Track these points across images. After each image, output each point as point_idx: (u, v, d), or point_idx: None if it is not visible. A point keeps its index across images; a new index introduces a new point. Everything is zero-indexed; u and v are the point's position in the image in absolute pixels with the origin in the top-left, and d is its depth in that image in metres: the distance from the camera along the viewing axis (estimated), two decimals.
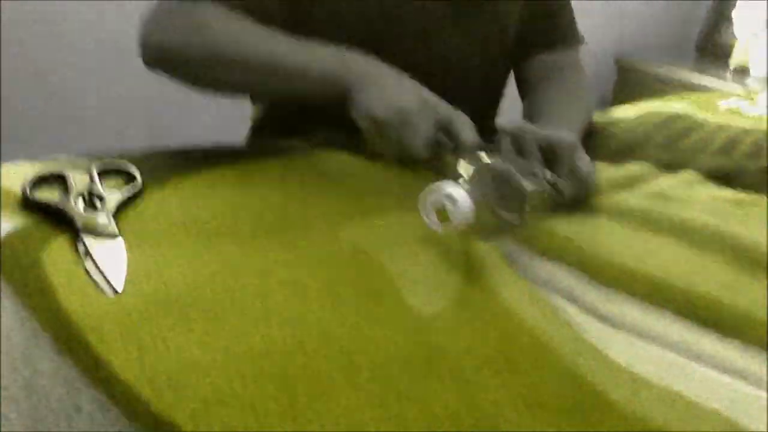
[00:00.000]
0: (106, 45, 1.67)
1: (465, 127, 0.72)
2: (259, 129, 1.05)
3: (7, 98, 1.61)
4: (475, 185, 0.56)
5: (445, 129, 0.73)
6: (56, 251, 0.49)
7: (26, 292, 0.44)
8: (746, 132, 0.94)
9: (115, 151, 0.76)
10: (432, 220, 0.53)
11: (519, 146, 0.70)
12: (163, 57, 0.82)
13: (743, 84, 1.91)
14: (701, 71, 2.06)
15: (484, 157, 0.64)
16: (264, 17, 0.82)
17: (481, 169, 0.59)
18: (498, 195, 0.59)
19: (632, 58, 2.21)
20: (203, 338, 0.41)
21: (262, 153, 0.76)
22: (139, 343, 0.40)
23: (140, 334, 0.40)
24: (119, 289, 0.45)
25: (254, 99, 1.05)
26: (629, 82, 2.22)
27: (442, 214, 0.53)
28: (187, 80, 0.83)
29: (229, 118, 1.70)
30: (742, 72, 2.01)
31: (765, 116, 1.05)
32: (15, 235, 0.51)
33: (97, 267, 0.47)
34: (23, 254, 0.48)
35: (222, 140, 1.66)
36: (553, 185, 0.67)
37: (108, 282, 0.46)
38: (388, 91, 0.73)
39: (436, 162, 0.74)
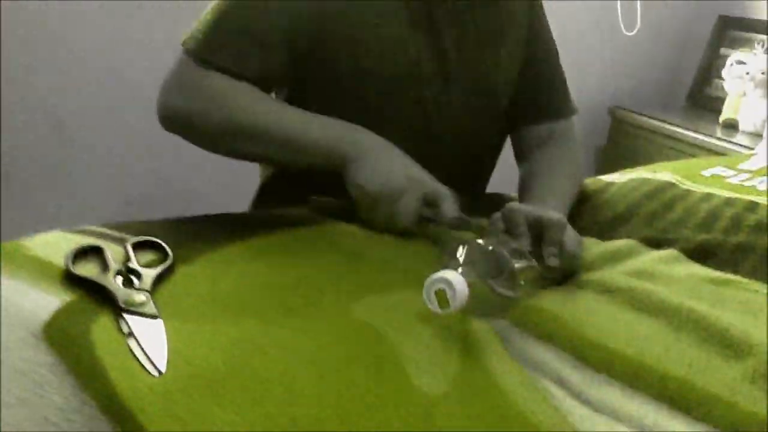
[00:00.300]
0: (112, 87, 1.74)
1: (448, 203, 0.80)
2: (268, 190, 1.12)
3: (12, 141, 1.67)
4: (468, 265, 0.63)
5: (430, 203, 0.81)
6: (102, 329, 0.55)
7: (79, 372, 0.50)
8: (727, 203, 1.01)
9: (134, 210, 0.82)
10: (434, 306, 0.60)
11: (509, 224, 0.77)
12: (179, 124, 0.91)
13: (732, 138, 1.99)
14: (691, 123, 2.15)
15: (474, 237, 0.70)
16: (269, 86, 0.91)
17: (472, 249, 0.66)
18: (492, 272, 0.66)
19: (625, 110, 2.29)
20: (235, 418, 0.47)
21: (275, 224, 0.82)
22: (182, 422, 0.46)
23: (181, 414, 0.46)
24: (162, 369, 0.51)
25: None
26: (622, 132, 2.31)
27: (442, 299, 0.60)
28: (202, 146, 0.93)
29: (233, 163, 1.77)
30: (732, 126, 2.09)
31: (745, 185, 1.12)
32: (63, 312, 0.57)
33: (140, 346, 0.53)
34: (73, 333, 0.54)
35: (224, 182, 1.75)
36: (540, 261, 0.74)
37: (151, 361, 0.52)
38: (379, 166, 0.81)
39: (422, 233, 0.82)
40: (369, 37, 0.93)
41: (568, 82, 1.14)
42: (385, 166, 0.83)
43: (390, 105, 0.96)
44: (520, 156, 1.12)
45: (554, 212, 0.79)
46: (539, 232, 0.77)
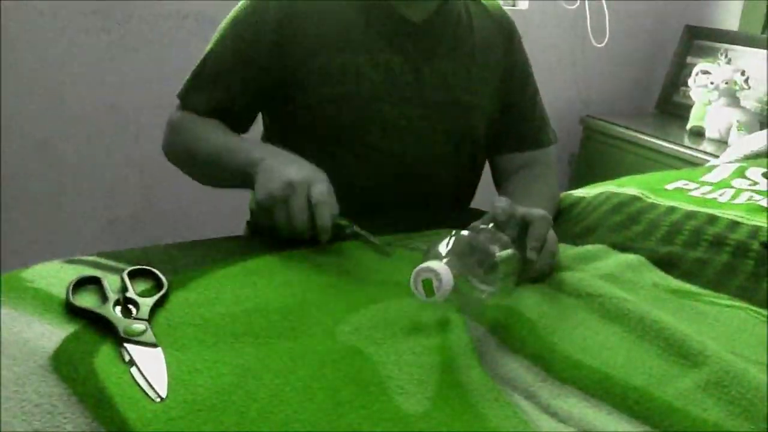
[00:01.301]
0: (97, 108, 1.77)
1: (323, 212, 0.81)
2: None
3: (6, 162, 1.69)
4: (452, 258, 0.69)
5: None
6: (105, 359, 0.59)
7: (88, 401, 0.54)
8: (689, 216, 1.07)
9: (129, 237, 0.87)
10: (420, 294, 0.66)
11: (498, 217, 0.81)
12: (171, 159, 1.07)
13: (698, 146, 2.06)
14: (660, 130, 2.22)
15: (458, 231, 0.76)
16: (233, 119, 1.03)
17: (456, 240, 0.72)
18: (474, 264, 0.71)
19: (596, 119, 2.36)
20: None
21: (263, 247, 0.86)
22: None
23: None
24: (164, 395, 0.55)
25: None
26: (593, 140, 2.38)
27: (428, 288, 0.66)
28: (194, 178, 1.07)
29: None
30: (698, 134, 2.17)
31: (707, 198, 1.18)
32: (67, 343, 0.61)
33: (142, 374, 0.58)
34: (78, 363, 0.58)
35: (209, 203, 1.79)
36: (522, 255, 0.79)
37: (153, 388, 0.56)
38: (264, 177, 0.85)
39: (337, 239, 0.86)
40: (335, 66, 0.99)
41: (541, 93, 1.20)
42: (269, 174, 0.84)
43: (359, 127, 1.02)
44: (499, 180, 1.18)
45: (540, 210, 0.84)
46: (524, 227, 0.82)
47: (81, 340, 0.62)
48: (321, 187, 0.82)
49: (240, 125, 1.06)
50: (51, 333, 0.63)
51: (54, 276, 0.75)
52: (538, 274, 0.83)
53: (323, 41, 1.00)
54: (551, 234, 0.86)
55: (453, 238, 0.72)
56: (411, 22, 1.03)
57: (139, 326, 0.64)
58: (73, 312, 0.67)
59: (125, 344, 0.61)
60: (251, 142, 0.99)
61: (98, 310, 0.66)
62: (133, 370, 0.58)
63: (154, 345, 0.62)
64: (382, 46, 1.02)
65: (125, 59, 1.76)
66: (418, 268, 0.66)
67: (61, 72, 1.71)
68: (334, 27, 1.01)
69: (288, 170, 0.83)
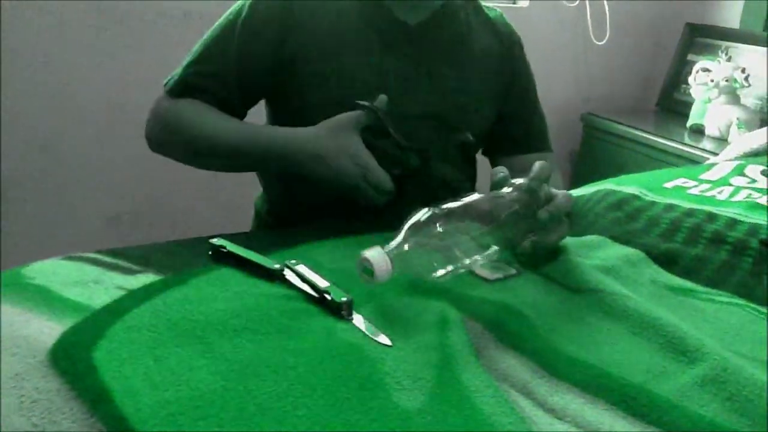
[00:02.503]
0: (98, 106, 1.78)
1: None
2: (265, 213, 1.17)
3: (8, 160, 1.70)
4: (408, 239, 0.72)
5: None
6: (103, 353, 0.60)
7: (86, 396, 0.54)
8: (688, 214, 1.07)
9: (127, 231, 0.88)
10: (363, 277, 0.71)
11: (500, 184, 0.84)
12: (160, 148, 1.07)
13: (699, 144, 2.06)
14: (661, 128, 2.22)
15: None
16: (228, 106, 1.04)
17: (418, 229, 0.74)
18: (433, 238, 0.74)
19: (597, 116, 2.36)
20: None
21: (265, 245, 0.86)
22: None
23: None
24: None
25: (263, 185, 1.19)
26: (594, 138, 2.38)
27: (369, 272, 0.70)
28: (182, 161, 1.08)
29: (217, 180, 1.81)
30: (699, 132, 2.17)
31: (706, 195, 1.18)
32: (65, 339, 0.62)
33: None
34: (76, 358, 0.59)
35: (210, 199, 1.80)
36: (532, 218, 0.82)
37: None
38: (327, 171, 0.94)
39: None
40: (331, 69, 0.99)
41: (541, 91, 1.20)
42: (329, 166, 0.94)
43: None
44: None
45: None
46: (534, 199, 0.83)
47: (80, 334, 0.62)
48: (371, 166, 0.93)
49: (235, 115, 1.06)
50: (50, 329, 0.63)
51: (53, 273, 0.75)
52: (547, 247, 0.86)
53: (319, 43, 1.01)
54: (567, 222, 0.88)
55: (412, 217, 0.75)
56: (407, 25, 1.03)
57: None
58: (71, 308, 0.67)
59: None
60: (274, 132, 1.02)
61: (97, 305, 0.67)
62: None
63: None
64: (377, 48, 1.02)
65: (126, 57, 1.76)
66: (359, 254, 0.70)
67: (62, 70, 1.71)
68: (330, 29, 1.01)
69: (338, 174, 0.93)
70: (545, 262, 0.87)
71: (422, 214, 0.74)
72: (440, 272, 0.74)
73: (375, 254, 0.70)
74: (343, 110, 1.00)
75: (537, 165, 0.85)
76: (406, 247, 0.72)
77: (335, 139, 0.94)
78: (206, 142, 1.01)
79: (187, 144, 1.04)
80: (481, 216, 0.78)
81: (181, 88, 1.04)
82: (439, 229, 0.73)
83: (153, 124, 1.07)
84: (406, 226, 0.73)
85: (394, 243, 0.72)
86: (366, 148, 0.94)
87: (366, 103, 0.95)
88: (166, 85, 1.06)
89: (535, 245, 0.85)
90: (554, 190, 0.86)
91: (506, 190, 0.83)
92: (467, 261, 0.76)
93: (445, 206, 0.76)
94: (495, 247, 0.79)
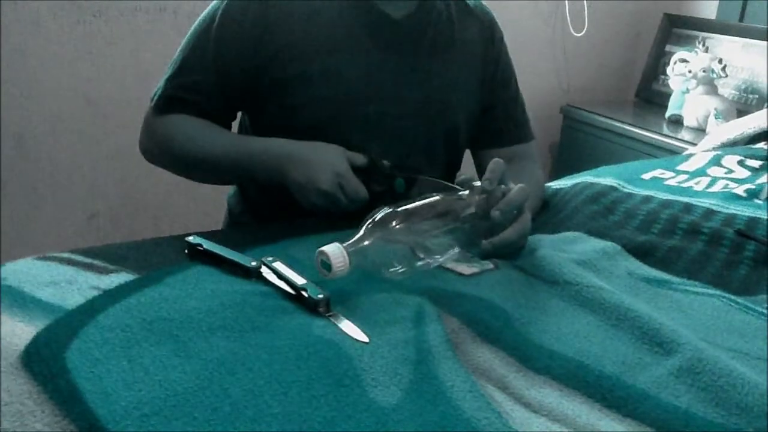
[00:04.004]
0: (73, 101, 1.76)
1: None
2: (238, 213, 1.17)
3: None
4: (368, 236, 0.74)
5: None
6: (76, 355, 0.59)
7: (58, 399, 0.53)
8: (665, 205, 1.08)
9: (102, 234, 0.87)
10: (321, 272, 0.73)
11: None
12: (156, 163, 1.08)
13: (677, 134, 2.08)
14: (640, 119, 2.24)
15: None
16: (214, 115, 1.04)
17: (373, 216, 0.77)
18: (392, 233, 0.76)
19: (576, 108, 2.37)
20: None
21: (241, 243, 0.86)
22: None
23: None
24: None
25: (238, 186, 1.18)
26: (573, 130, 2.38)
27: (327, 266, 0.72)
28: (182, 176, 1.09)
29: None
30: (677, 122, 2.18)
31: (683, 186, 1.19)
32: (37, 340, 0.61)
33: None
34: (49, 360, 0.58)
35: (189, 197, 1.79)
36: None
37: None
38: (305, 182, 0.94)
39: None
40: (317, 67, 0.99)
41: (521, 83, 1.20)
42: (307, 178, 0.93)
43: (341, 127, 1.01)
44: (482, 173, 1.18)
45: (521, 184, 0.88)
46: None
47: (52, 336, 0.62)
48: (347, 177, 0.93)
49: (222, 125, 1.06)
50: (22, 331, 0.62)
51: (26, 273, 0.74)
52: (506, 244, 0.85)
53: (300, 42, 0.99)
54: (527, 214, 0.88)
55: (372, 215, 0.77)
56: (392, 19, 1.03)
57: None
58: (44, 309, 0.66)
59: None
60: (261, 145, 1.01)
61: (70, 306, 0.66)
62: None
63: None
64: (362, 43, 1.01)
65: (102, 52, 1.74)
66: (318, 249, 0.73)
67: (37, 64, 1.69)
68: (314, 26, 0.99)
69: (314, 181, 0.92)
70: (515, 258, 0.87)
71: (381, 212, 0.76)
72: (398, 269, 0.76)
73: (333, 249, 0.72)
74: (330, 108, 1.00)
75: (491, 165, 0.86)
76: (364, 243, 0.74)
77: (319, 149, 0.95)
78: (194, 160, 1.02)
79: (178, 161, 1.05)
80: (439, 216, 0.80)
81: (166, 103, 1.03)
82: (398, 227, 0.76)
83: (145, 140, 1.07)
84: (366, 223, 0.75)
85: (352, 239, 0.74)
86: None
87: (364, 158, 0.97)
88: (152, 100, 1.05)
89: (494, 244, 0.85)
90: (511, 185, 0.87)
91: (464, 192, 0.85)
92: (427, 260, 0.78)
93: (403, 206, 0.78)
94: (456, 249, 0.81)
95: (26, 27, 1.65)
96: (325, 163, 0.93)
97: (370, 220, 0.76)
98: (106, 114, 1.79)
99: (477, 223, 0.83)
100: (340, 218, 0.94)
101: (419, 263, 0.77)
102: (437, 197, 0.82)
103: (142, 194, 1.89)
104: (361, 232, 0.75)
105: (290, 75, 0.99)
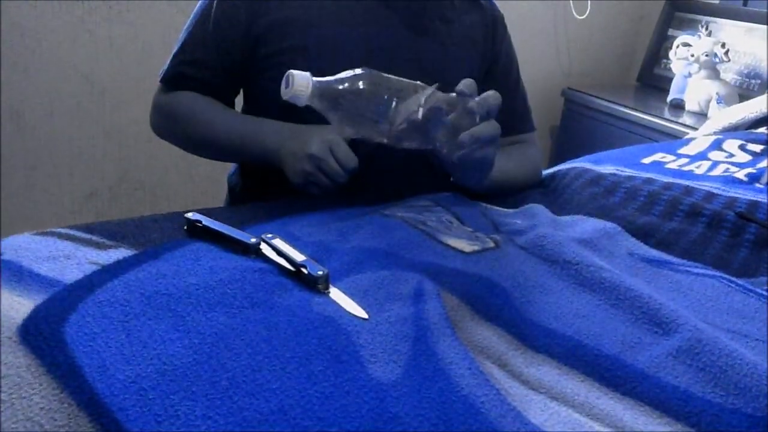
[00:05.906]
0: (72, 79, 1.75)
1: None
2: (238, 188, 1.16)
3: None
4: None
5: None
6: (74, 329, 0.59)
7: (56, 372, 0.53)
8: (666, 187, 1.07)
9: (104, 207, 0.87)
10: (282, 91, 0.81)
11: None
12: (166, 139, 1.11)
13: (679, 118, 2.07)
14: (641, 103, 2.23)
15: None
16: (220, 92, 1.06)
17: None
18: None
19: (577, 91, 2.36)
20: (206, 412, 0.51)
21: (240, 220, 0.86)
22: (157, 417, 0.50)
23: (156, 410, 0.50)
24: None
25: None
26: (574, 113, 2.37)
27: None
28: (192, 153, 1.12)
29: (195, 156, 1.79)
30: (679, 106, 2.17)
31: (684, 169, 1.18)
32: (35, 314, 0.60)
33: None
34: (47, 334, 0.58)
35: (187, 175, 1.78)
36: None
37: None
38: (291, 162, 0.95)
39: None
40: (313, 40, 0.98)
41: (522, 66, 1.20)
42: (292, 158, 0.95)
43: None
44: None
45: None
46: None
47: (50, 309, 0.61)
48: (337, 142, 0.92)
49: (226, 100, 1.08)
50: (20, 305, 0.62)
51: (24, 248, 0.74)
52: (480, 137, 0.86)
53: (300, 13, 0.99)
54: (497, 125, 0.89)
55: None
56: None
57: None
58: (43, 283, 0.66)
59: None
60: (260, 125, 1.02)
61: (69, 281, 0.66)
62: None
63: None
64: (359, 17, 1.01)
65: (101, 29, 1.73)
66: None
67: (35, 42, 1.67)
68: (308, 1, 0.99)
69: (305, 147, 0.92)
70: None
71: (355, 71, 0.82)
72: (352, 130, 0.84)
73: (301, 74, 0.80)
74: None
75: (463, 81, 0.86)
76: (335, 86, 0.81)
77: (314, 127, 0.95)
78: (201, 137, 1.05)
79: (186, 138, 1.08)
80: (411, 89, 0.84)
81: (172, 80, 1.06)
82: (367, 88, 0.81)
83: (155, 117, 1.10)
84: (343, 74, 0.82)
85: (326, 78, 0.81)
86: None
87: None
88: (160, 77, 1.08)
89: (472, 134, 0.85)
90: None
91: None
92: (400, 110, 0.82)
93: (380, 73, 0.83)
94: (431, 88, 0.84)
95: (24, 4, 1.63)
96: (318, 132, 0.94)
97: (345, 74, 0.81)
98: (105, 92, 1.78)
99: (455, 120, 0.85)
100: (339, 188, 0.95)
101: (393, 114, 0.81)
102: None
103: (141, 173, 1.88)
104: (337, 76, 0.81)
105: (286, 47, 1.00)
